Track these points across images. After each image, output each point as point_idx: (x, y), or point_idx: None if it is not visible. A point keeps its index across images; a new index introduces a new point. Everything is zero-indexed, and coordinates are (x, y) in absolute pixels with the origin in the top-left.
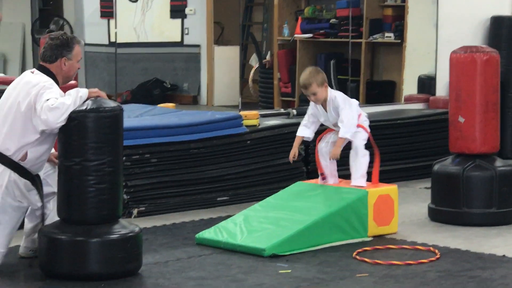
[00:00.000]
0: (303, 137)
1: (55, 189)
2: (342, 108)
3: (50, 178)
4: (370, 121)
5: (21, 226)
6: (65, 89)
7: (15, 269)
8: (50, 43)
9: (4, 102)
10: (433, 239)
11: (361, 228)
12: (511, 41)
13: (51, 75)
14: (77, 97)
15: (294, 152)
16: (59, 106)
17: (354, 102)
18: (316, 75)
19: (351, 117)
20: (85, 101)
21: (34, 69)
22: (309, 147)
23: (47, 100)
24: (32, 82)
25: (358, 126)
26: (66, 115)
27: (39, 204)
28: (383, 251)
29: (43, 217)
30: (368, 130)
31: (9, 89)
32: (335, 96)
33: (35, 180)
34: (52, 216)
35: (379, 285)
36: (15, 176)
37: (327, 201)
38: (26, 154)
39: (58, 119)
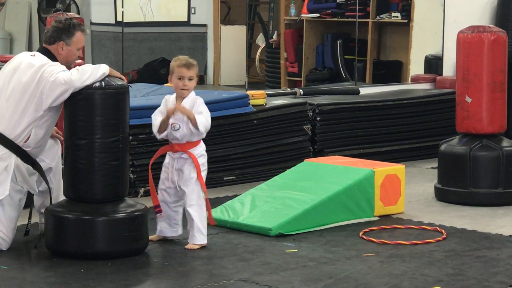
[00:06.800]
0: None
1: (52, 164)
2: (203, 112)
3: (45, 154)
4: (377, 101)
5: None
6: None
7: (22, 248)
8: (54, 25)
9: (5, 86)
10: (440, 219)
11: (368, 208)
12: None
13: (51, 57)
14: (97, 68)
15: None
16: (80, 70)
17: None
18: (197, 65)
19: (209, 121)
20: (104, 79)
21: (35, 52)
22: (315, 126)
23: (62, 71)
24: (35, 64)
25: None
26: (85, 78)
27: (37, 190)
28: (390, 230)
29: (50, 198)
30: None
31: (7, 72)
32: (201, 101)
33: (36, 165)
34: (57, 194)
35: (386, 265)
36: (18, 160)
37: (333, 181)
38: (29, 136)
39: (80, 80)
